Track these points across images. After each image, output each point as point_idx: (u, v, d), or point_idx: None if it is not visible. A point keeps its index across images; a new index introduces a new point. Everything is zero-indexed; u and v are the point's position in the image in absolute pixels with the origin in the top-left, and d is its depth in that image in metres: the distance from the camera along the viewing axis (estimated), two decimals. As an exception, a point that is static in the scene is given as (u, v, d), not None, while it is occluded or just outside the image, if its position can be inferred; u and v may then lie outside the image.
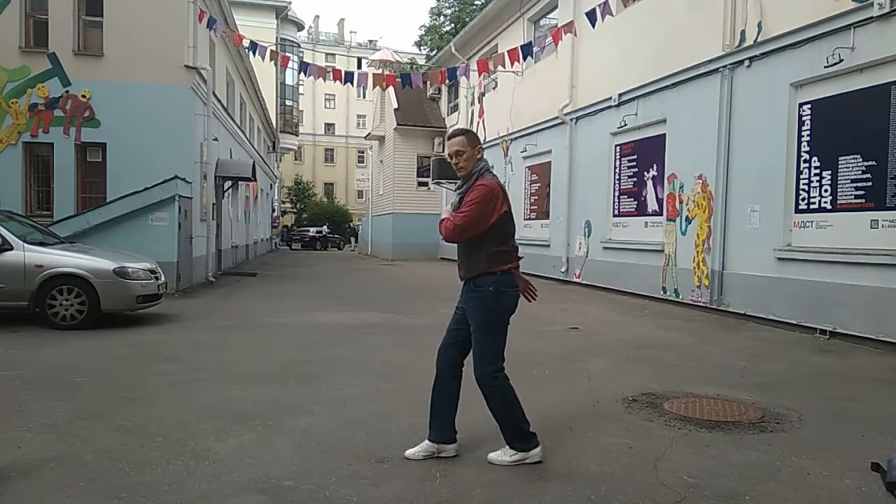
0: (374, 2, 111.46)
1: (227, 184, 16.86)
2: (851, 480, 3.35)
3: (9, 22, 11.95)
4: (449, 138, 3.66)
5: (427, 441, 3.67)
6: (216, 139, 14.51)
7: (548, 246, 15.49)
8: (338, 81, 13.63)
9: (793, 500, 3.12)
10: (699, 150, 10.16)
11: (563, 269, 14.49)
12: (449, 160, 3.68)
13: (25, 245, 7.94)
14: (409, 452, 3.63)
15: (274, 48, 16.92)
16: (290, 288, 13.85)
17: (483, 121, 20.19)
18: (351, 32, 66.34)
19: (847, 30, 7.60)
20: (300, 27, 45.92)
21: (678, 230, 10.69)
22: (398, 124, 24.47)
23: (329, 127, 62.50)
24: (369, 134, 29.67)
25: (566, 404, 4.78)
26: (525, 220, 17.01)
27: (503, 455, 3.53)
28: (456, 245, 3.65)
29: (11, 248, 7.83)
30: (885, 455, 3.40)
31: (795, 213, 8.45)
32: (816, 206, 8.14)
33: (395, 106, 24.61)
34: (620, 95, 12.35)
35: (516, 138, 17.45)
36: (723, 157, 9.61)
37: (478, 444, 3.79)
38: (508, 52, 12.76)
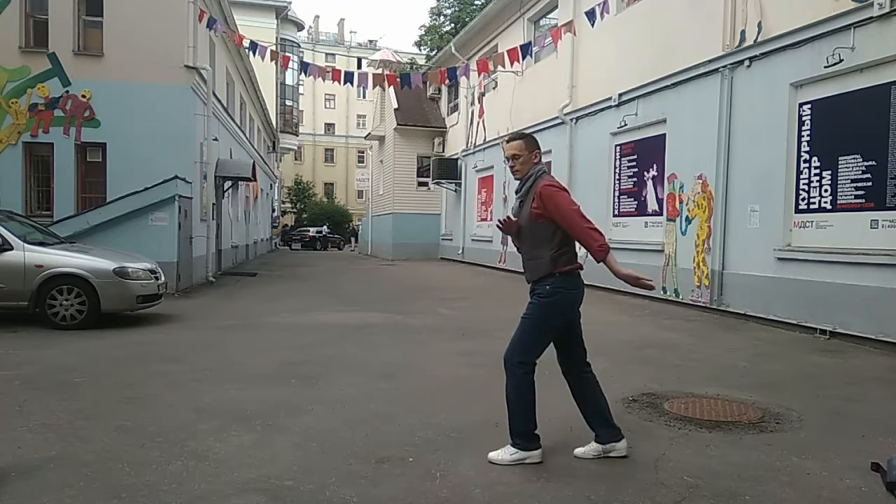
0: (374, 2, 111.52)
1: (227, 184, 16.86)
2: (851, 480, 3.35)
3: (9, 22, 11.94)
4: (508, 141, 3.75)
5: (594, 443, 3.68)
6: (216, 139, 14.51)
7: (548, 246, 15.46)
8: (336, 82, 13.66)
9: (793, 500, 3.12)
10: (699, 150, 10.16)
11: (563, 269, 14.48)
12: (505, 163, 3.81)
13: (25, 245, 7.93)
14: (579, 451, 3.66)
15: (274, 48, 16.91)
16: (290, 288, 13.85)
17: (483, 121, 20.19)
18: (351, 32, 66.40)
19: (847, 30, 7.60)
20: (300, 27, 45.92)
21: (678, 230, 10.69)
22: (398, 124, 24.47)
23: (329, 127, 62.48)
24: (369, 134, 29.66)
25: (566, 404, 4.76)
26: (525, 220, 16.95)
27: (504, 454, 3.53)
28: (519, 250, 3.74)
29: (11, 248, 7.82)
30: (885, 455, 3.40)
31: (795, 213, 8.44)
32: (816, 206, 8.14)
33: (395, 106, 24.60)
34: (620, 95, 12.35)
35: (516, 138, 17.42)
36: (723, 157, 9.61)
37: (477, 444, 3.79)
38: (508, 51, 12.77)
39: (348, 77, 13.58)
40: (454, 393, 5.06)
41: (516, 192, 3.75)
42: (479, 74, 17.29)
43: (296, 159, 57.02)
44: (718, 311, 9.57)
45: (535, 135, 14.46)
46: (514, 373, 3.54)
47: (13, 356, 6.21)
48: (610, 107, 12.79)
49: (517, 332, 3.58)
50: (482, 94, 20.40)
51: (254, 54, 14.12)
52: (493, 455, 3.55)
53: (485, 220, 20.12)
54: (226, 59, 18.49)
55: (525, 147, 3.67)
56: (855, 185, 7.62)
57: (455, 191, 23.00)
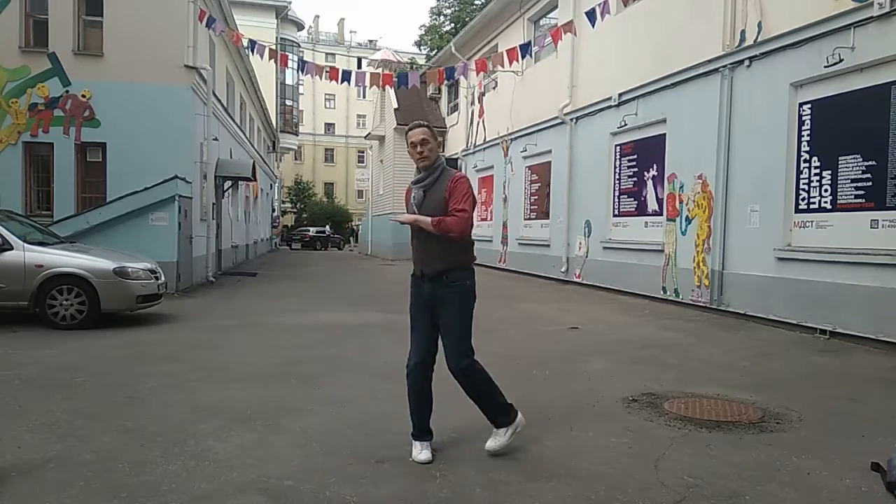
0: (374, 2, 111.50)
1: (227, 184, 16.86)
2: (851, 480, 3.35)
3: (9, 22, 11.94)
4: (413, 129, 3.63)
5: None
6: (216, 139, 14.51)
7: (548, 246, 15.49)
8: (333, 81, 13.67)
9: (793, 500, 3.12)
10: (699, 150, 10.16)
11: (563, 269, 14.49)
12: (412, 149, 3.61)
13: (25, 245, 7.93)
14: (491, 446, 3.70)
15: (273, 47, 16.90)
16: (290, 288, 13.85)
17: (483, 121, 20.19)
18: (351, 32, 66.38)
19: (847, 30, 7.60)
20: (300, 27, 45.93)
21: (678, 230, 10.69)
22: (398, 124, 24.44)
23: (329, 127, 62.49)
24: (369, 134, 29.66)
25: (566, 404, 4.78)
26: (525, 220, 17.00)
27: (499, 439, 3.63)
28: (418, 240, 3.63)
29: (11, 248, 7.83)
30: (885, 455, 3.40)
31: (795, 212, 8.44)
32: (816, 205, 8.14)
33: (395, 106, 24.60)
34: (620, 95, 12.34)
35: (516, 138, 17.44)
36: (723, 157, 9.61)
37: (477, 444, 3.79)
38: (507, 51, 12.77)
39: (345, 76, 13.59)
40: (454, 393, 5.05)
41: (418, 182, 3.63)
42: (477, 73, 17.28)
43: (296, 159, 57.06)
44: (718, 311, 9.57)
45: (535, 135, 14.46)
46: (467, 373, 3.58)
47: (13, 356, 6.21)
48: (610, 107, 12.79)
49: (455, 338, 3.54)
50: (482, 94, 20.40)
51: (252, 53, 14.12)
52: (490, 445, 3.61)
53: (485, 219, 20.12)
54: (226, 59, 18.50)
55: (431, 134, 3.62)
56: (855, 184, 7.62)
57: (455, 191, 22.96)
